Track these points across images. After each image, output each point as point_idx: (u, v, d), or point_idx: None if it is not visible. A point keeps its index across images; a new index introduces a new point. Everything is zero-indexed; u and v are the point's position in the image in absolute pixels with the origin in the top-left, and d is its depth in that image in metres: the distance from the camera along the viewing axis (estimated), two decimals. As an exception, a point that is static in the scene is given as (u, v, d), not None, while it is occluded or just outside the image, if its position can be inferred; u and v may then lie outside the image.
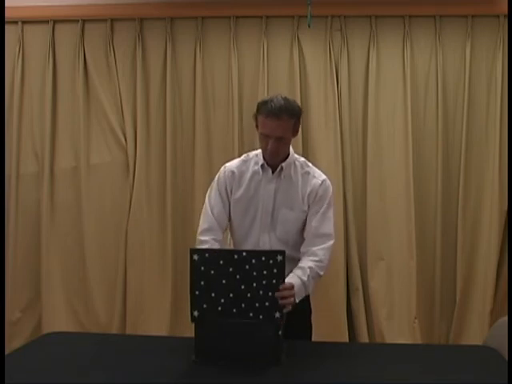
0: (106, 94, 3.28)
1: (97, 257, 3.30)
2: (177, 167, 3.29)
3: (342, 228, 3.14)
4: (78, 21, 3.26)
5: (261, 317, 1.75)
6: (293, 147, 2.15)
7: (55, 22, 3.28)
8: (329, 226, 2.09)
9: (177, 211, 3.28)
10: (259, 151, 2.13)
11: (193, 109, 3.26)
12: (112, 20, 3.27)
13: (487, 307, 3.13)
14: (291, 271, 1.96)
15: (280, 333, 1.76)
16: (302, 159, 2.19)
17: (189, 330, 1.92)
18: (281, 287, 1.76)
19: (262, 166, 2.10)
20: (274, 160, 2.07)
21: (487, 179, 3.16)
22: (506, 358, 1.76)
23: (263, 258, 1.76)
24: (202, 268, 1.76)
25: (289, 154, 2.10)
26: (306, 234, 2.09)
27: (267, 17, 3.20)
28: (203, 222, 2.14)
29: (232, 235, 2.23)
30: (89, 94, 3.31)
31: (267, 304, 1.75)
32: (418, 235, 3.19)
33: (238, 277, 1.76)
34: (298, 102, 2.98)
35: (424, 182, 3.22)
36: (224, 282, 1.76)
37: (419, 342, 3.14)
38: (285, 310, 1.78)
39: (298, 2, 2.86)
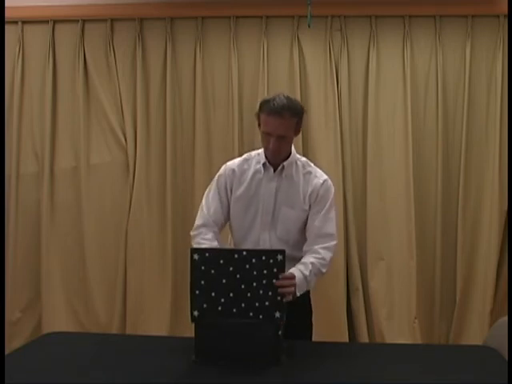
0: (106, 94, 3.28)
1: (97, 257, 3.30)
2: (177, 167, 3.29)
3: (342, 228, 3.14)
4: (78, 21, 3.26)
5: (261, 316, 1.75)
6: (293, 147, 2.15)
7: (55, 21, 3.28)
8: (332, 227, 2.09)
9: (177, 211, 3.28)
10: (261, 150, 2.13)
11: (193, 109, 3.26)
12: (112, 20, 3.27)
13: (487, 307, 3.13)
14: (292, 269, 1.96)
15: (280, 333, 1.76)
16: (304, 159, 2.20)
17: (189, 330, 1.92)
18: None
19: (264, 164, 2.10)
20: (276, 158, 2.08)
21: (487, 179, 3.16)
22: (506, 358, 1.76)
23: (263, 258, 1.76)
24: (203, 267, 1.77)
25: (291, 153, 2.10)
26: (308, 234, 2.09)
27: (267, 17, 3.20)
28: (198, 219, 2.16)
29: (232, 234, 2.23)
30: (89, 94, 3.31)
31: (267, 304, 1.75)
32: (418, 235, 3.19)
33: (238, 276, 1.76)
34: (298, 101, 2.98)
35: (424, 182, 3.22)
36: (224, 281, 1.76)
37: (419, 341, 3.14)
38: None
39: (298, 1, 2.86)
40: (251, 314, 1.75)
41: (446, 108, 3.19)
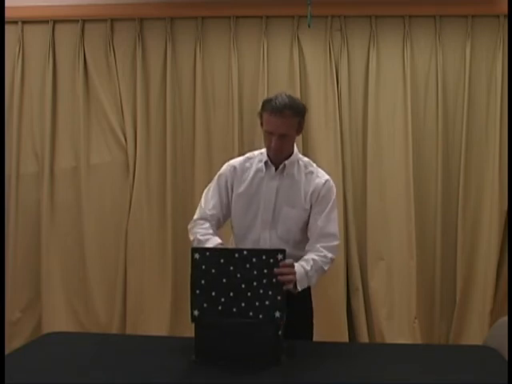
0: (106, 93, 3.28)
1: (97, 257, 3.30)
2: (177, 167, 3.30)
3: (342, 228, 3.13)
4: (78, 21, 3.26)
5: (260, 316, 1.75)
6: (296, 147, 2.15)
7: (55, 21, 3.28)
8: (334, 227, 2.10)
9: (177, 211, 3.28)
10: (264, 149, 2.14)
11: (193, 109, 3.26)
12: (112, 20, 3.27)
13: (487, 307, 3.13)
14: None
15: (280, 333, 1.76)
16: (306, 159, 2.20)
17: (189, 330, 1.92)
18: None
19: (266, 163, 2.11)
20: (278, 157, 2.08)
21: (487, 179, 3.16)
22: (506, 358, 1.76)
23: (264, 257, 1.76)
24: (203, 267, 1.77)
25: (293, 153, 2.11)
26: (310, 234, 2.10)
27: (267, 17, 3.20)
28: (195, 215, 2.18)
29: (233, 232, 2.23)
30: (89, 94, 3.31)
31: (267, 303, 1.75)
32: (418, 235, 3.19)
33: (238, 275, 1.76)
34: (298, 101, 2.98)
35: (424, 182, 3.22)
36: (224, 280, 1.76)
37: (419, 341, 3.14)
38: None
39: (298, 1, 2.86)
40: (251, 313, 1.75)
41: (445, 108, 3.19)
